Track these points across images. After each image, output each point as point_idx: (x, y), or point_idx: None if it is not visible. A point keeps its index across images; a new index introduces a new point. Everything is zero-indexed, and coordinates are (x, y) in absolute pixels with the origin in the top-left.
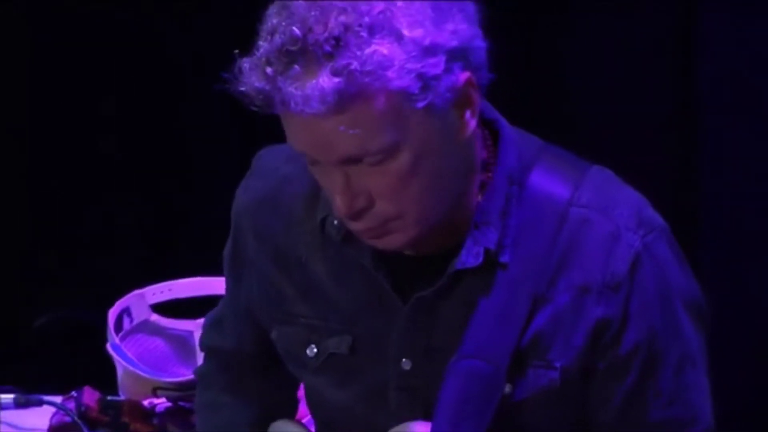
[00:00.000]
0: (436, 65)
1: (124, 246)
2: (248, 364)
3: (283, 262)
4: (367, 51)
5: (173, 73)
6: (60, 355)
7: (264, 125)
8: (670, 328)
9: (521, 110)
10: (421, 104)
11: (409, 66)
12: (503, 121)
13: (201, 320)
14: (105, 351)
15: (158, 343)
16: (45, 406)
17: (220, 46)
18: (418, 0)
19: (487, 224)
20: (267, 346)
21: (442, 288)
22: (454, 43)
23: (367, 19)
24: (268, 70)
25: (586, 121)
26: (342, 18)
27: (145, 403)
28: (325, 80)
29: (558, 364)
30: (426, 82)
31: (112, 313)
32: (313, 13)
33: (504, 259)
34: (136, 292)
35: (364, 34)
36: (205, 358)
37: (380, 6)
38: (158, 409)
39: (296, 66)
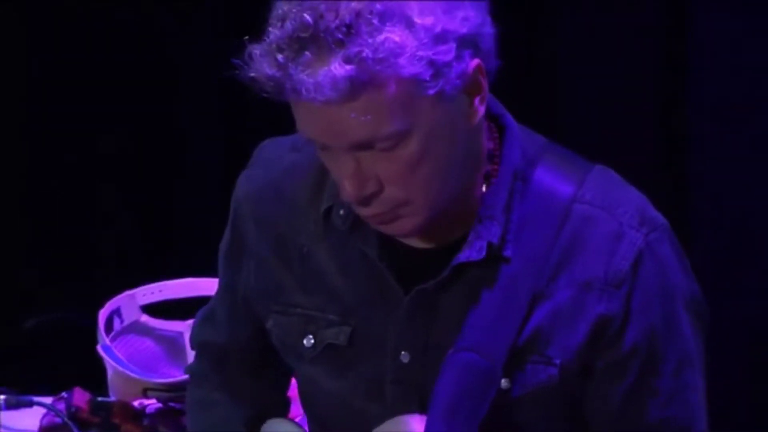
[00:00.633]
0: (447, 52)
1: (114, 247)
2: (240, 361)
3: (283, 251)
4: (379, 38)
5: (169, 73)
6: (50, 356)
7: (260, 126)
8: (670, 327)
9: (515, 110)
10: (432, 91)
11: (420, 53)
12: (509, 117)
13: (191, 321)
14: (95, 352)
15: (148, 344)
16: (35, 407)
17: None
18: None
19: (490, 218)
20: (259, 341)
21: (443, 281)
22: (464, 30)
23: (378, 6)
24: (279, 57)
25: (577, 121)
26: (353, 4)
27: (136, 403)
28: (337, 68)
29: (557, 361)
30: (437, 69)
31: (102, 314)
32: (323, 0)
33: (506, 253)
34: (127, 293)
35: (375, 21)
36: (197, 356)
37: None
38: (148, 410)
39: (307, 53)
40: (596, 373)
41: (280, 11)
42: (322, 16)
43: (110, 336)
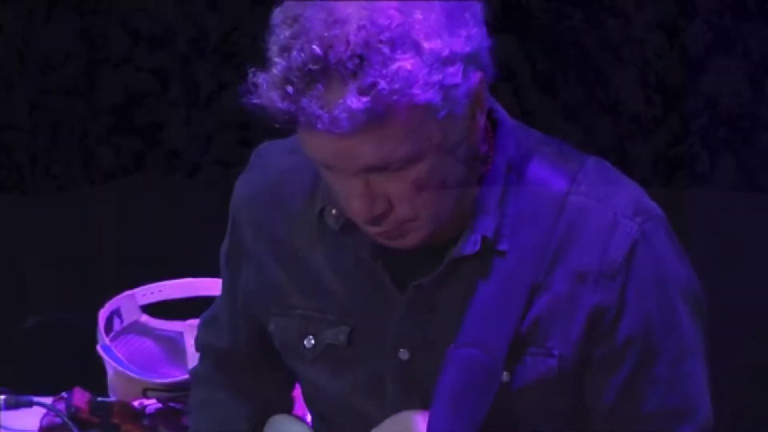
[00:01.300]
0: (455, 74)
1: (114, 247)
2: (243, 362)
3: (281, 254)
4: (392, 68)
5: (166, 74)
6: (50, 356)
7: (256, 128)
8: (666, 317)
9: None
10: (442, 114)
11: (431, 79)
12: (502, 111)
13: (191, 321)
14: (95, 352)
15: (148, 344)
16: (35, 408)
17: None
18: (432, 0)
19: (484, 212)
20: (262, 344)
21: (439, 276)
22: (468, 48)
23: (387, 33)
24: (289, 89)
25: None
26: (362, 34)
27: (136, 404)
28: (353, 100)
29: (556, 352)
30: (446, 91)
31: (102, 314)
32: (331, 29)
33: (502, 247)
34: (127, 293)
35: (386, 50)
36: (201, 358)
37: (398, 18)
38: (148, 410)
39: (319, 85)
40: (594, 364)
41: (281, 38)
42: (331, 47)
43: (110, 336)
